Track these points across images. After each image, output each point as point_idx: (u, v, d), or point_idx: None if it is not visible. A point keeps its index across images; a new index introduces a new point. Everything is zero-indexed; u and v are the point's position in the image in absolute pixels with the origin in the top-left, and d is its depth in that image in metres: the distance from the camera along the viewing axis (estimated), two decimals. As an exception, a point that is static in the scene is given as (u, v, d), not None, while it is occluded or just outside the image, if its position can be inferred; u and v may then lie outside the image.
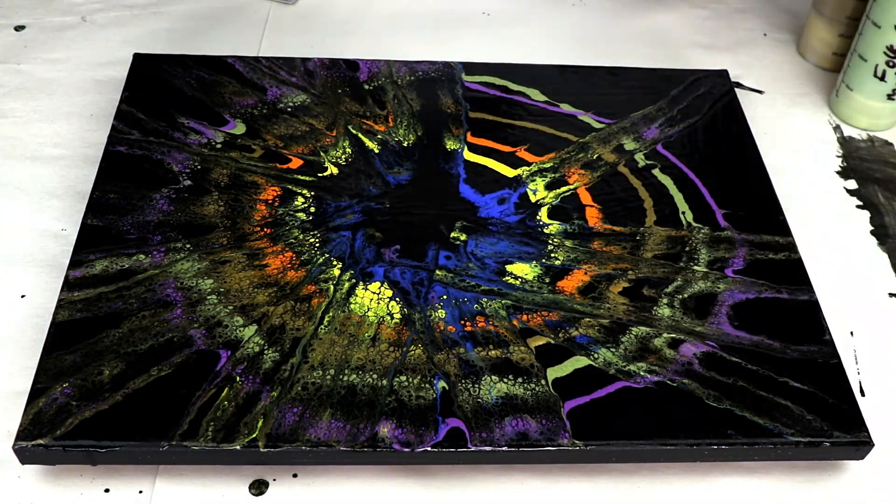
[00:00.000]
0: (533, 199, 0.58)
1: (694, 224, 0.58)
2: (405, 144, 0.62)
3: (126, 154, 0.59)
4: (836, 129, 0.70)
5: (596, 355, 0.50)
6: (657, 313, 0.53)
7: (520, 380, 0.49)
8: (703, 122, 0.65)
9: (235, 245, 0.54)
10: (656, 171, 0.61)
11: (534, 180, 0.59)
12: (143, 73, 0.64)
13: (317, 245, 0.55)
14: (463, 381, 0.49)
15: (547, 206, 0.58)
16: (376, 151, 0.61)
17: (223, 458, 0.46)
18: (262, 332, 0.50)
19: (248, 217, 0.56)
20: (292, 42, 0.74)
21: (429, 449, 0.46)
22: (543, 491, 0.49)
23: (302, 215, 0.57)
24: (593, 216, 0.58)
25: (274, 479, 0.48)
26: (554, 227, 0.57)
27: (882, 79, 0.67)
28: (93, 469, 0.48)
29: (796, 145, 0.69)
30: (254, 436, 0.45)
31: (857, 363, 0.55)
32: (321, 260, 0.54)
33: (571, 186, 0.59)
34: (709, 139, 0.64)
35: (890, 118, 0.70)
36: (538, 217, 0.57)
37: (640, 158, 0.62)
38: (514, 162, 0.61)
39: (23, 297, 0.55)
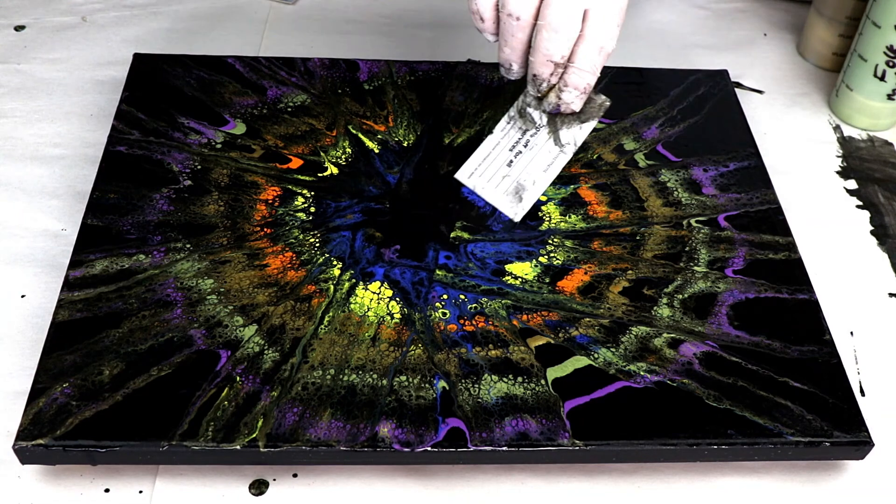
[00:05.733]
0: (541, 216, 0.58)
1: (694, 224, 0.58)
2: (405, 144, 0.62)
3: (126, 154, 0.59)
4: (836, 129, 0.70)
5: (596, 355, 0.50)
6: (657, 313, 0.53)
7: (520, 379, 0.49)
8: (703, 121, 0.65)
9: (235, 245, 0.54)
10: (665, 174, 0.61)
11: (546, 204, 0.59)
12: (143, 73, 0.64)
13: (317, 245, 0.55)
14: (463, 380, 0.49)
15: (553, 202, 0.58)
16: (376, 151, 0.61)
17: (223, 458, 0.46)
18: (262, 332, 0.50)
19: (248, 217, 0.56)
20: (292, 42, 0.74)
21: (429, 449, 0.46)
22: (543, 491, 0.49)
23: (302, 215, 0.57)
24: (592, 199, 0.58)
25: (274, 479, 0.48)
26: (553, 210, 0.57)
27: (882, 79, 0.67)
28: (93, 469, 0.48)
29: (796, 145, 0.69)
30: (254, 436, 0.45)
31: (857, 363, 0.55)
32: (321, 260, 0.54)
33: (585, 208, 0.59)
34: (709, 139, 0.64)
35: (890, 118, 0.70)
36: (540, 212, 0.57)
37: (640, 158, 0.62)
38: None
39: (23, 297, 0.55)
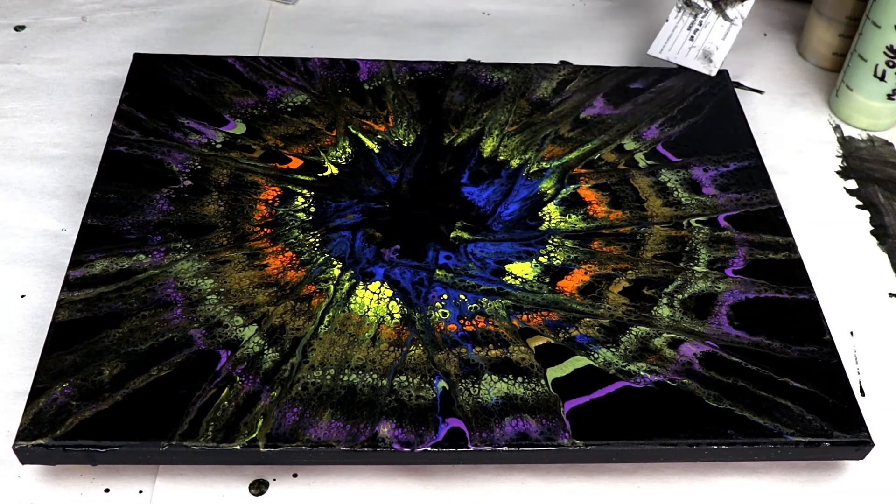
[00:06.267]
0: (543, 216, 0.58)
1: (694, 224, 0.58)
2: (405, 144, 0.62)
3: (126, 154, 0.59)
4: (836, 129, 0.70)
5: (596, 355, 0.50)
6: (657, 313, 0.53)
7: (520, 379, 0.49)
8: (703, 121, 0.65)
9: (235, 245, 0.54)
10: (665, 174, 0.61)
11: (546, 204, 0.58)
12: (143, 73, 0.64)
13: (317, 245, 0.55)
14: (463, 380, 0.49)
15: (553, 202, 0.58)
16: (376, 151, 0.61)
17: (223, 458, 0.46)
18: (262, 331, 0.50)
19: (248, 217, 0.56)
20: (292, 42, 0.74)
21: (429, 449, 0.46)
22: (543, 491, 0.49)
23: (302, 215, 0.57)
24: (592, 199, 0.58)
25: (274, 479, 0.48)
26: (553, 210, 0.57)
27: (882, 79, 0.67)
28: (93, 469, 0.48)
29: (796, 145, 0.69)
30: (254, 436, 0.45)
31: (857, 363, 0.55)
32: (321, 260, 0.54)
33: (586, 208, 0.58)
34: (709, 139, 0.64)
35: (890, 118, 0.70)
36: (541, 213, 0.57)
37: (640, 158, 0.62)
38: (514, 162, 0.61)
39: (23, 297, 0.55)
